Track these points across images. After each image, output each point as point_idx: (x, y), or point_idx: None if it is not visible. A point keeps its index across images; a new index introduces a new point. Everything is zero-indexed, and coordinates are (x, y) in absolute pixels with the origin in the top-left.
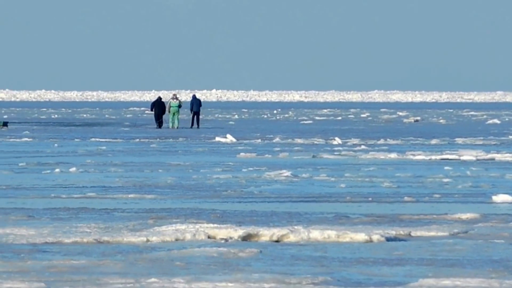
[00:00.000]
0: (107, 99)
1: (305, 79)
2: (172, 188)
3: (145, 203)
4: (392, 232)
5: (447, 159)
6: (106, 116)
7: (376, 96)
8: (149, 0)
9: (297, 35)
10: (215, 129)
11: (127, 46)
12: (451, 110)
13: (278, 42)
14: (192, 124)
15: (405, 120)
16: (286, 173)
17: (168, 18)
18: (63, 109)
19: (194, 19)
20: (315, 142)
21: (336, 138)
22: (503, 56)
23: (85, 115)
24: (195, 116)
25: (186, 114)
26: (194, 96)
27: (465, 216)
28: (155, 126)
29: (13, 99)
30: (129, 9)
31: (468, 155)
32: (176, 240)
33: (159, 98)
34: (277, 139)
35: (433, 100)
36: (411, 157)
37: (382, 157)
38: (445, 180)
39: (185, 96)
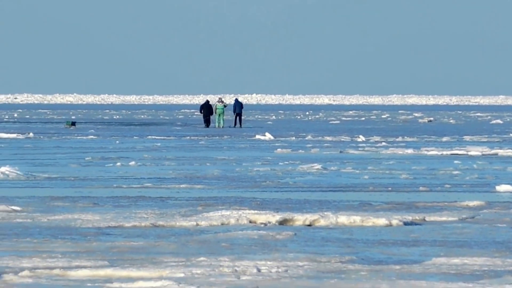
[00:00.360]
0: (161, 102)
1: (333, 85)
2: (218, 179)
3: (195, 192)
4: (409, 217)
5: (457, 154)
6: (161, 116)
7: (395, 99)
8: (196, 15)
9: (327, 47)
10: (255, 128)
11: (179, 56)
12: (460, 112)
13: (310, 52)
14: (235, 124)
15: (420, 120)
16: (317, 166)
17: (214, 32)
18: (124, 110)
19: (237, 32)
20: (342, 140)
21: (360, 136)
22: (505, 65)
23: (142, 116)
24: (238, 117)
25: (230, 115)
26: (236, 100)
27: (472, 203)
28: (203, 125)
29: (80, 102)
30: (177, 25)
31: (474, 151)
32: (222, 224)
33: (207, 101)
34: (309, 137)
35: (444, 103)
36: (425, 152)
37: (400, 152)
38: (455, 172)
39: (229, 100)
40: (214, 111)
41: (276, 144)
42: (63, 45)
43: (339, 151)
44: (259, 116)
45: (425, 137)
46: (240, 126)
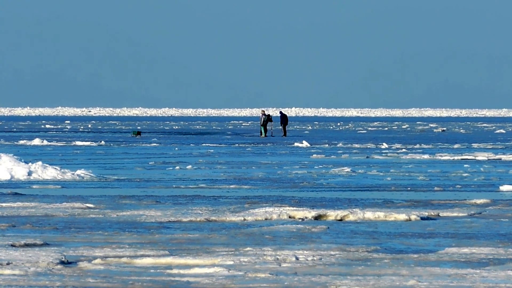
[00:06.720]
0: (214, 115)
1: (361, 100)
2: (263, 181)
3: (243, 192)
4: (425, 213)
5: (466, 159)
6: (213, 127)
7: (413, 112)
8: (242, 38)
9: (356, 67)
10: (294, 137)
11: (229, 75)
12: (469, 123)
13: (341, 71)
14: (284, 133)
15: (435, 130)
16: (347, 169)
17: (260, 54)
18: (182, 122)
19: (278, 54)
20: (368, 147)
21: (384, 144)
22: (508, 83)
23: (198, 127)
24: (284, 127)
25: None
26: (281, 112)
27: (479, 201)
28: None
29: (144, 114)
30: (226, 49)
31: (481, 156)
32: (266, 219)
33: (269, 115)
34: (340, 144)
35: (456, 115)
36: (439, 157)
37: (418, 157)
38: (465, 174)
39: (272, 112)
40: (260, 122)
41: (312, 151)
42: (130, 66)
43: (365, 157)
44: (297, 127)
45: (439, 145)
46: (285, 135)
